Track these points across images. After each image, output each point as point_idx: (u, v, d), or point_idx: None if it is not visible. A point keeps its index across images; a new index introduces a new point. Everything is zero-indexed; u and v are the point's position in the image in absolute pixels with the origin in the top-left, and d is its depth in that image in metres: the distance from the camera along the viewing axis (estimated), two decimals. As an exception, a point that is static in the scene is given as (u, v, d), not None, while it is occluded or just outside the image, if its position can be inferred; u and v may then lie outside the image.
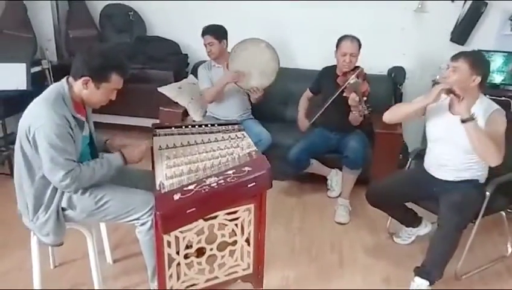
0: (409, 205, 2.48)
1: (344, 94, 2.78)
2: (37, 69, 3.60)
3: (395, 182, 2.42)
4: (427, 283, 2.07)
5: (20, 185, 1.81)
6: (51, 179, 1.73)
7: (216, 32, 3.12)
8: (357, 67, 2.89)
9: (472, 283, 2.28)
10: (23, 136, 1.72)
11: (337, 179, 3.18)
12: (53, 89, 1.79)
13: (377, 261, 2.44)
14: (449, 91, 2.04)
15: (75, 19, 4.00)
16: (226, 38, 3.18)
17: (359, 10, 3.63)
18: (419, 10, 3.54)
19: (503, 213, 2.39)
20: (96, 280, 1.98)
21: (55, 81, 1.86)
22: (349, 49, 2.83)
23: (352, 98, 2.69)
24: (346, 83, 2.78)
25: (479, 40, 3.53)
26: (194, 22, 3.66)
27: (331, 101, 2.87)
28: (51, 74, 3.68)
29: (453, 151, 2.17)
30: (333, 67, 3.01)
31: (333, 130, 3.05)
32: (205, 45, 3.15)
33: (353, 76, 2.78)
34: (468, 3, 3.44)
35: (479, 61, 2.08)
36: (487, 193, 2.14)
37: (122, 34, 3.98)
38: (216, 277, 1.92)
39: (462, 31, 3.52)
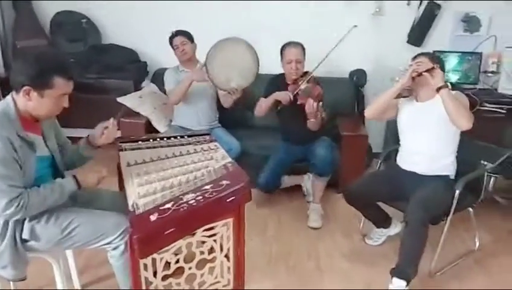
0: (381, 205, 2.52)
1: (298, 102, 2.74)
2: (-17, 82, 3.34)
3: (370, 180, 2.51)
4: (405, 283, 2.10)
5: None
6: None
7: (187, 33, 3.09)
8: (306, 72, 2.85)
9: (446, 279, 2.34)
10: None
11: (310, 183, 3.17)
12: None
13: (353, 264, 2.45)
14: (419, 74, 2.23)
15: (23, 27, 3.75)
16: (195, 44, 3.13)
17: (318, 13, 3.66)
18: (377, 13, 3.63)
19: (471, 209, 2.47)
20: (65, 309, 1.84)
21: (3, 95, 1.68)
22: (294, 56, 2.78)
23: (310, 104, 2.65)
24: (298, 90, 2.74)
25: (434, 42, 3.66)
26: (152, 28, 3.57)
27: (286, 111, 2.84)
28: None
29: (423, 138, 2.30)
30: (282, 76, 2.95)
31: (297, 143, 2.99)
32: (176, 47, 3.07)
33: (303, 81, 2.75)
34: (423, 5, 3.55)
35: (434, 55, 2.44)
36: (457, 191, 2.20)
37: (75, 43, 3.78)
38: (196, 297, 1.83)
39: (418, 33, 3.64)
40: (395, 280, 2.11)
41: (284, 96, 2.80)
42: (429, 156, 2.30)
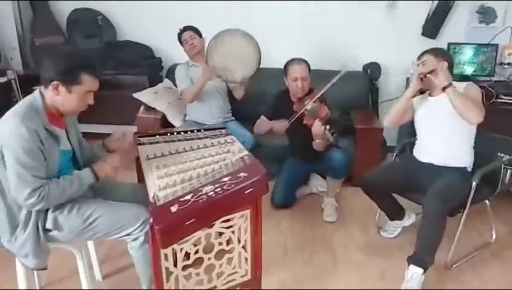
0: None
1: (304, 122, 2.63)
2: (1, 80, 3.42)
3: (387, 170, 2.55)
4: (421, 270, 2.11)
5: None
6: (16, 196, 1.61)
7: (195, 28, 3.15)
8: (311, 89, 2.76)
9: (462, 271, 2.34)
10: None
11: (318, 181, 3.21)
12: (25, 101, 1.67)
13: (369, 257, 2.46)
14: (424, 75, 2.28)
15: (40, 25, 3.82)
16: (203, 38, 3.16)
17: (332, 9, 3.65)
18: (391, 6, 3.61)
19: (487, 202, 2.46)
20: (88, 300, 1.90)
21: (22, 91, 1.75)
22: (299, 73, 2.67)
23: (317, 126, 2.53)
24: (303, 110, 2.62)
25: (449, 34, 3.63)
26: (166, 24, 3.59)
27: (293, 129, 2.72)
28: (18, 84, 3.51)
29: (439, 131, 2.32)
30: (286, 92, 2.84)
31: (305, 160, 2.94)
32: (185, 42, 3.13)
33: (309, 101, 2.63)
34: (437, -2, 3.53)
35: (440, 50, 2.39)
36: (474, 183, 2.19)
37: (91, 40, 3.84)
38: (215, 286, 1.86)
39: (432, 26, 3.61)
40: (412, 267, 2.13)
41: (280, 128, 2.74)
42: (445, 147, 2.32)
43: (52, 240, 1.76)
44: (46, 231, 1.73)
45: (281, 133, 2.78)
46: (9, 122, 1.59)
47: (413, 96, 2.40)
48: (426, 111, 2.40)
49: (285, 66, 2.77)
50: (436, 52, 2.35)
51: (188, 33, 3.12)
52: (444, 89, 2.18)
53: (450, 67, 2.33)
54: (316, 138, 2.59)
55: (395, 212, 2.61)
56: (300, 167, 3.00)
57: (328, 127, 2.52)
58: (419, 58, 2.39)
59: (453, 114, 2.20)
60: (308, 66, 2.74)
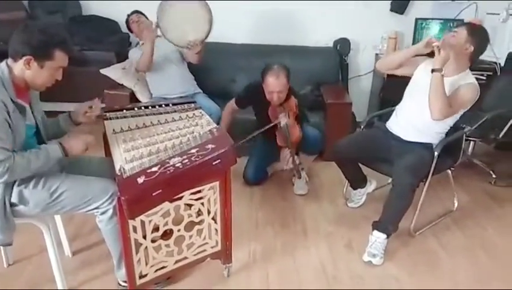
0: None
1: (278, 141, 2.67)
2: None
3: (357, 139, 2.55)
4: (384, 235, 2.22)
5: None
6: None
7: (141, 12, 3.28)
8: (289, 95, 2.64)
9: (425, 238, 2.44)
10: None
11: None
12: None
13: (337, 227, 2.53)
14: (438, 48, 2.12)
15: (1, 0, 3.64)
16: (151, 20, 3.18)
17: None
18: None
19: (449, 171, 2.56)
20: (58, 275, 1.88)
21: None
22: (276, 87, 2.54)
23: (286, 154, 2.64)
24: (277, 122, 2.58)
25: (417, 9, 3.69)
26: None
27: (261, 130, 2.59)
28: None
29: (420, 109, 2.25)
30: (259, 87, 2.68)
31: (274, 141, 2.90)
32: (132, 22, 3.26)
33: (282, 116, 2.57)
34: (406, -27, 3.56)
35: (477, 33, 2.19)
36: (435, 153, 2.27)
37: (54, 15, 3.70)
38: (185, 258, 1.89)
39: (400, 1, 3.64)
40: (376, 232, 2.24)
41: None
42: (419, 130, 2.32)
43: (18, 215, 1.73)
44: (12, 205, 1.70)
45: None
46: None
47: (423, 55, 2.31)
48: (422, 81, 2.27)
49: (263, 71, 2.61)
50: (472, 31, 2.19)
51: (134, 16, 3.27)
52: (432, 70, 2.11)
53: (476, 54, 2.20)
54: (282, 161, 2.68)
55: (359, 181, 2.68)
56: (271, 145, 2.92)
57: (297, 158, 2.58)
58: (456, 25, 2.33)
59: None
60: (288, 74, 2.58)
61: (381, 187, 2.80)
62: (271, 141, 2.76)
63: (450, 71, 2.23)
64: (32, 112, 1.77)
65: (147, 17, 3.26)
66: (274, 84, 2.55)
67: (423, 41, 2.22)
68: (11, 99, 1.60)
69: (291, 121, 2.61)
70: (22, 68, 1.63)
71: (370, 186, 2.73)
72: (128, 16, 3.29)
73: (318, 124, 3.19)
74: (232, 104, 2.90)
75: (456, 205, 2.73)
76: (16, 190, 1.68)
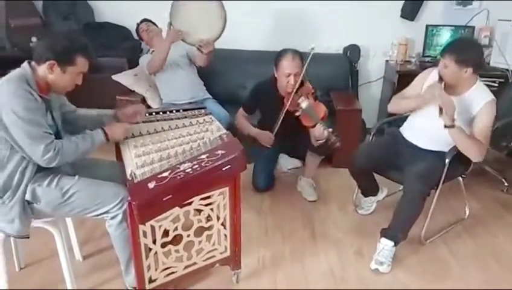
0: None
1: (304, 124, 2.56)
2: (-24, 61, 3.35)
3: (370, 150, 2.52)
4: (392, 243, 2.20)
5: None
6: (32, 155, 1.66)
7: (150, 20, 3.31)
8: (302, 82, 2.60)
9: (436, 246, 2.42)
10: None
11: (286, 161, 3.20)
12: (15, 72, 1.71)
13: (347, 234, 2.52)
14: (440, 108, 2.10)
15: (16, 7, 3.70)
16: (160, 28, 3.27)
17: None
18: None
19: (460, 179, 2.54)
20: (68, 279, 1.91)
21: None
22: (293, 69, 2.52)
23: (319, 130, 2.44)
24: (297, 108, 2.54)
25: (427, 16, 3.68)
26: (144, 6, 3.56)
27: (278, 126, 2.64)
28: (-7, 66, 3.44)
29: (434, 124, 2.19)
30: (271, 82, 2.69)
31: (290, 155, 2.99)
32: (142, 31, 3.29)
33: (303, 99, 2.53)
34: (416, -20, 3.56)
35: (464, 55, 2.11)
36: (446, 161, 2.25)
37: (68, 21, 3.76)
38: (195, 263, 1.90)
39: (411, 8, 3.65)
40: (384, 239, 2.22)
41: (265, 139, 2.68)
42: (435, 138, 2.28)
43: (34, 212, 1.77)
44: (28, 203, 1.75)
45: (267, 145, 2.71)
46: (5, 88, 1.63)
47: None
48: (430, 108, 2.22)
49: (278, 57, 2.60)
50: (458, 57, 2.09)
51: (143, 24, 3.29)
52: (446, 126, 2.09)
53: (478, 67, 2.15)
54: (318, 139, 2.52)
55: (372, 190, 2.68)
56: (275, 149, 2.91)
57: (330, 130, 2.42)
58: (441, 54, 2.19)
59: (461, 121, 2.16)
60: (301, 58, 2.58)
61: (392, 194, 2.78)
62: (275, 145, 2.75)
63: (460, 90, 2.21)
64: (51, 112, 1.82)
65: (156, 25, 3.30)
66: (291, 66, 2.53)
67: (428, 95, 2.20)
68: (38, 94, 1.68)
69: (312, 101, 2.57)
70: (45, 71, 1.71)
71: (381, 195, 2.72)
72: (138, 24, 3.32)
73: (326, 124, 3.18)
74: (240, 112, 2.88)
75: (467, 213, 2.70)
76: (29, 188, 1.73)
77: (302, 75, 2.57)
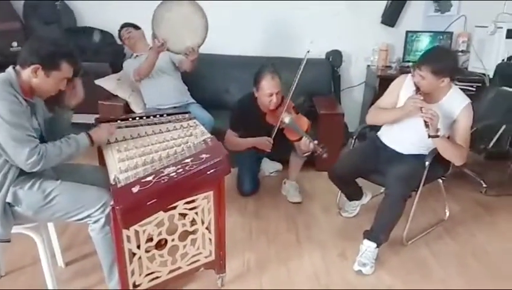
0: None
1: (290, 139, 2.66)
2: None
3: (351, 158, 2.54)
4: (375, 244, 2.24)
5: None
6: (15, 158, 1.64)
7: (131, 24, 3.30)
8: (282, 98, 2.67)
9: (417, 247, 2.46)
10: None
11: (269, 164, 3.33)
12: None
13: (331, 236, 2.55)
14: (425, 122, 2.11)
15: (-5, 11, 3.67)
16: (141, 29, 3.28)
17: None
18: (352, -5, 3.70)
19: (440, 181, 2.59)
20: (50, 285, 1.88)
21: None
22: (274, 89, 2.60)
23: (305, 143, 2.52)
24: (280, 123, 2.60)
25: (407, 22, 3.76)
26: (127, 10, 3.55)
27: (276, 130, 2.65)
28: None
29: (414, 130, 2.24)
30: (251, 99, 2.74)
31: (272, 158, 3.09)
32: (123, 37, 3.28)
33: (285, 114, 2.60)
34: (396, -14, 3.64)
35: (440, 65, 2.12)
36: (426, 163, 2.30)
37: (49, 26, 3.72)
38: (179, 267, 1.89)
39: (391, 14, 3.73)
40: (366, 241, 2.25)
41: (264, 143, 2.67)
42: (414, 143, 2.33)
43: (15, 215, 1.75)
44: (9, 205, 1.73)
45: (267, 149, 2.69)
46: None
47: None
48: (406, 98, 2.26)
49: (257, 78, 2.66)
50: (435, 68, 2.10)
51: (124, 30, 3.28)
52: (429, 136, 2.10)
53: (454, 75, 2.21)
54: (303, 153, 2.64)
55: (356, 194, 2.71)
56: (258, 154, 2.96)
57: (316, 142, 2.48)
58: (417, 67, 2.16)
59: (441, 126, 2.17)
60: (280, 77, 2.65)
61: (375, 196, 2.82)
62: (258, 150, 2.77)
63: (437, 97, 2.24)
64: (35, 115, 1.80)
65: (138, 27, 3.27)
66: (271, 85, 2.60)
67: (407, 109, 2.19)
68: (22, 97, 1.68)
69: (294, 115, 2.65)
70: (29, 75, 1.70)
71: (365, 199, 2.75)
72: (119, 30, 3.31)
73: (311, 135, 3.22)
74: (230, 133, 2.83)
75: (447, 214, 2.76)
76: (11, 190, 1.70)
77: (295, 82, 2.61)
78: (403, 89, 2.37)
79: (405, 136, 2.36)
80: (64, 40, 1.89)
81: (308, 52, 2.59)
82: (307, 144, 2.53)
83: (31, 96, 1.76)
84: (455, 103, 2.24)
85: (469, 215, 2.82)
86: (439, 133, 2.12)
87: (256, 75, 2.67)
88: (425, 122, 2.11)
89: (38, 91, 1.76)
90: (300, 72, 2.60)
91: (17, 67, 1.73)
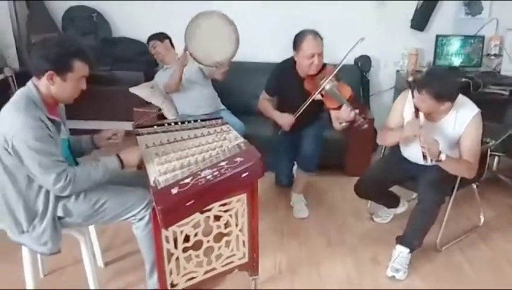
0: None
1: (326, 107, 2.50)
2: (-1, 77, 3.48)
3: (379, 172, 2.47)
4: (408, 250, 2.23)
5: (5, 199, 1.73)
6: (44, 184, 1.68)
7: (157, 35, 3.30)
8: (323, 65, 2.55)
9: (451, 253, 2.43)
10: (1, 147, 1.64)
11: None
12: (21, 94, 1.69)
13: (362, 241, 2.55)
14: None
15: (36, 23, 3.86)
16: (170, 39, 3.31)
17: (323, 2, 3.73)
18: (380, 0, 3.69)
19: (474, 186, 2.56)
20: (92, 284, 1.96)
21: (19, 88, 1.73)
22: (317, 49, 2.45)
23: (345, 111, 2.31)
24: (319, 90, 2.42)
25: (437, 26, 3.72)
26: (160, 20, 3.66)
27: (302, 109, 2.52)
28: (15, 81, 3.56)
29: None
30: (291, 63, 2.63)
31: (295, 133, 2.73)
32: (151, 52, 3.31)
33: (326, 79, 2.41)
34: (425, -10, 3.62)
35: (442, 91, 2.03)
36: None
37: (86, 37, 3.88)
38: (214, 268, 1.94)
39: (421, 18, 3.70)
40: (399, 246, 2.24)
41: (286, 122, 2.58)
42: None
43: (64, 225, 1.82)
44: (59, 218, 1.79)
45: (286, 128, 2.62)
46: (14, 115, 1.61)
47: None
48: (410, 117, 2.21)
49: (297, 39, 2.53)
50: (436, 94, 2.01)
51: (151, 43, 3.28)
52: (431, 160, 2.07)
53: (456, 97, 2.09)
54: (341, 121, 2.39)
55: (392, 203, 2.69)
56: (289, 141, 2.78)
57: (357, 111, 2.30)
58: (418, 89, 2.09)
59: (444, 142, 2.16)
60: (322, 38, 2.54)
61: (407, 202, 2.80)
62: (294, 131, 2.64)
63: (438, 116, 2.17)
64: (64, 125, 1.87)
65: (163, 38, 3.27)
66: (314, 45, 2.45)
67: (407, 134, 2.16)
68: (46, 116, 1.67)
69: (335, 82, 2.45)
70: (46, 84, 1.68)
71: (401, 208, 2.72)
72: (146, 42, 3.32)
73: (340, 140, 3.26)
74: (263, 95, 2.79)
75: (482, 220, 2.72)
76: (60, 204, 1.77)
77: (345, 57, 2.48)
78: (406, 107, 2.28)
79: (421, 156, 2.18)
80: (69, 38, 1.79)
81: (363, 39, 2.49)
82: (348, 112, 2.31)
83: (55, 112, 1.77)
84: (461, 117, 2.14)
85: (504, 222, 2.76)
86: (441, 157, 2.05)
87: (296, 37, 2.52)
88: (423, 149, 2.07)
89: (60, 98, 1.75)
90: (351, 49, 2.49)
91: (34, 79, 1.70)
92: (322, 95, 2.47)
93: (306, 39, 2.48)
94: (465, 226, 2.69)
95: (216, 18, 2.98)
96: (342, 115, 2.36)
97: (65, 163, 1.69)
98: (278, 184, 3.05)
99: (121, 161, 1.83)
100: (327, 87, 2.42)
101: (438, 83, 2.04)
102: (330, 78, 2.41)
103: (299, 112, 2.51)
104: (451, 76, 2.20)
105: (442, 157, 2.06)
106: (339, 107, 2.39)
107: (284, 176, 2.97)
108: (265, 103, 2.78)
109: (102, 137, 2.03)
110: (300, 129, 2.73)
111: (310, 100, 2.47)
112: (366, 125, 2.34)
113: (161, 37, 3.29)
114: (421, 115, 2.14)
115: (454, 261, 2.36)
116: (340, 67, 2.47)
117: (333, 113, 2.48)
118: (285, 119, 2.60)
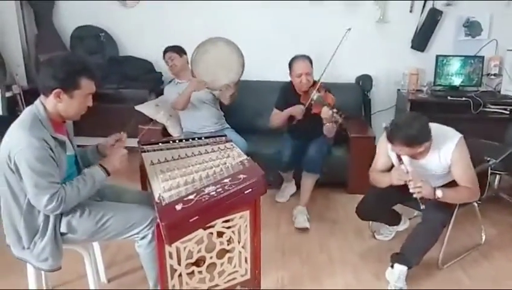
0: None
1: (312, 111, 2.88)
2: (7, 94, 3.55)
3: (380, 193, 2.41)
4: (406, 268, 2.22)
5: (10, 215, 1.77)
6: (36, 204, 1.70)
7: (176, 48, 3.32)
8: (315, 82, 2.97)
9: (453, 271, 2.44)
10: (5, 164, 1.68)
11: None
12: (28, 112, 1.73)
13: (364, 258, 2.56)
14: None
15: (45, 42, 3.96)
16: (186, 54, 3.32)
17: (326, 22, 3.82)
18: (381, 21, 3.77)
19: (475, 204, 2.57)
20: (96, 300, 1.98)
21: (27, 105, 1.78)
22: (304, 69, 2.92)
23: (325, 111, 2.78)
24: (310, 100, 2.88)
25: (438, 46, 3.79)
26: (165, 40, 3.73)
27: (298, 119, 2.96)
28: (23, 99, 3.65)
29: (429, 177, 2.21)
30: (291, 85, 3.08)
31: (299, 139, 3.12)
32: (167, 63, 3.33)
33: (314, 92, 2.87)
34: (426, 11, 3.70)
35: (411, 138, 2.03)
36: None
37: (94, 56, 3.98)
38: (217, 285, 1.96)
39: (421, 39, 3.78)
40: (398, 265, 2.23)
41: (297, 111, 2.94)
42: (438, 180, 2.28)
43: (67, 241, 1.85)
44: (61, 234, 1.82)
45: (300, 117, 2.95)
46: (19, 134, 1.66)
47: None
48: (394, 158, 2.22)
49: (290, 62, 3.00)
50: (407, 142, 2.03)
51: (168, 54, 3.31)
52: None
53: (430, 139, 2.08)
54: (326, 121, 2.82)
55: (395, 221, 2.70)
56: (292, 143, 3.13)
57: (335, 110, 2.76)
58: (391, 145, 2.12)
59: (433, 176, 2.21)
60: (311, 61, 2.99)
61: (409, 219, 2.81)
62: (297, 136, 3.09)
63: (423, 154, 2.16)
64: (70, 142, 1.90)
65: (182, 53, 3.31)
66: (301, 67, 2.93)
67: (395, 182, 2.17)
68: (51, 135, 1.71)
69: (322, 93, 2.92)
70: (53, 102, 1.71)
71: (403, 225, 2.73)
72: (164, 51, 3.33)
73: (342, 158, 3.30)
74: (274, 111, 3.15)
75: (483, 238, 2.72)
76: (64, 220, 1.80)
77: (329, 61, 2.94)
78: (389, 146, 2.19)
79: (427, 178, 2.20)
80: (76, 56, 1.84)
81: (350, 29, 3.02)
82: (327, 111, 2.77)
83: (62, 130, 1.80)
84: (444, 152, 2.14)
85: (506, 240, 2.77)
86: (437, 195, 2.08)
87: (290, 60, 3.01)
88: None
89: (67, 116, 1.78)
90: (336, 50, 2.96)
91: (41, 97, 1.74)
92: (311, 104, 2.92)
93: (295, 62, 2.99)
94: (467, 244, 2.69)
95: (221, 45, 3.14)
96: (324, 115, 2.80)
97: (59, 184, 1.70)
98: (280, 169, 3.21)
99: (105, 169, 1.84)
100: (314, 97, 2.89)
101: (405, 132, 2.02)
102: (316, 89, 2.88)
103: (309, 102, 2.91)
104: (416, 120, 2.07)
105: (439, 194, 2.09)
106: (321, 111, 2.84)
107: (286, 156, 3.09)
108: (275, 112, 3.15)
109: (106, 145, 2.04)
110: (306, 140, 3.08)
111: (307, 104, 2.93)
112: (340, 120, 2.76)
113: (179, 51, 3.31)
114: (404, 158, 2.14)
115: (456, 279, 2.37)
116: (321, 81, 2.95)
117: (322, 117, 2.84)
118: (297, 109, 2.97)
